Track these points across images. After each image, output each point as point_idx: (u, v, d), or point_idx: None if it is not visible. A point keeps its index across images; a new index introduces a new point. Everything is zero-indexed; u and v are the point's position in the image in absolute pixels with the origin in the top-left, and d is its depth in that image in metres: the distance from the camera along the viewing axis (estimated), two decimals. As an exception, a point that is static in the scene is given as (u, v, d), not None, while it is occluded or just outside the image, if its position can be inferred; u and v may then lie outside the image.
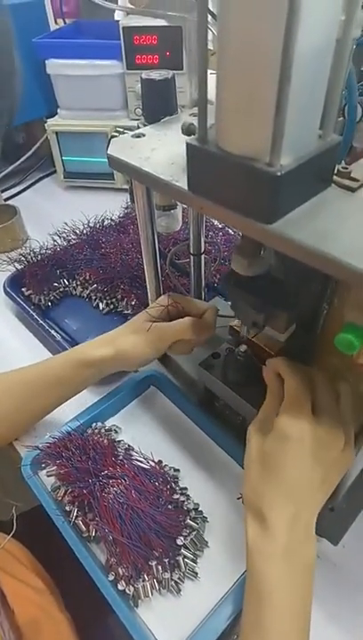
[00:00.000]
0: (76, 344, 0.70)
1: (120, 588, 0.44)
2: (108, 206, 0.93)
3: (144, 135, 0.43)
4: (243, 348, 0.49)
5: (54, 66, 0.94)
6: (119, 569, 0.44)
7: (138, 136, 0.42)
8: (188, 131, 0.37)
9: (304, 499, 0.37)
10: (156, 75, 0.46)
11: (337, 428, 0.38)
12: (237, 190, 0.30)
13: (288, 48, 0.24)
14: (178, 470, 0.53)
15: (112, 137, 0.48)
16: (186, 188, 0.34)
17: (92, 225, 0.87)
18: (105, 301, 0.76)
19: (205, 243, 0.61)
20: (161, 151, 0.39)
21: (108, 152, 0.39)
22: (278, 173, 0.27)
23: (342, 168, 0.34)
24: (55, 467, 0.51)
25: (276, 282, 0.42)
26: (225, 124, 0.29)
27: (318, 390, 0.39)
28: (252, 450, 0.40)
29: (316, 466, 0.37)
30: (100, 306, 0.76)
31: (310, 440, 0.37)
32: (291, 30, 0.23)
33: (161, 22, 0.83)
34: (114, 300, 0.76)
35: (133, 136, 0.42)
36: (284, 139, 0.27)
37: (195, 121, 0.42)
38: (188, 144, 0.31)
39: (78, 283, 0.79)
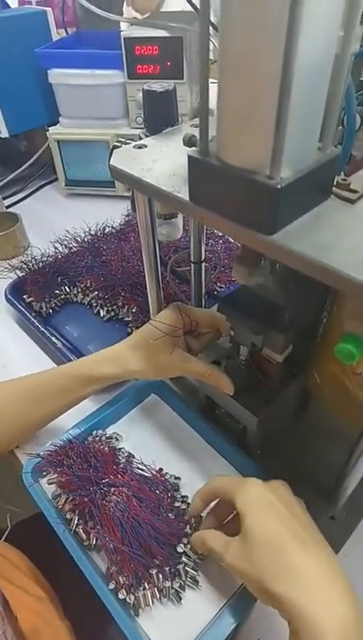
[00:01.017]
0: (77, 351, 0.71)
1: (121, 596, 0.44)
2: (108, 214, 0.94)
3: (146, 146, 0.43)
4: (244, 355, 0.50)
5: (56, 75, 0.95)
6: (120, 577, 0.44)
7: (140, 147, 0.43)
8: (189, 142, 0.37)
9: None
10: (157, 86, 0.47)
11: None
12: (237, 202, 0.31)
13: (288, 64, 0.24)
14: (179, 478, 0.53)
15: (114, 147, 0.48)
16: (187, 198, 0.35)
17: (93, 232, 0.87)
18: (106, 308, 0.76)
19: (205, 251, 0.62)
20: (163, 162, 0.40)
21: (111, 163, 0.40)
22: (279, 186, 0.28)
23: (342, 180, 0.34)
24: (56, 474, 0.51)
25: (274, 305, 0.43)
26: (226, 137, 0.30)
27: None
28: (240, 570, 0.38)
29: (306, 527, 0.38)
30: (101, 313, 0.76)
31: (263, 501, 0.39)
32: (291, 47, 0.24)
33: (162, 33, 0.84)
34: (115, 307, 0.76)
35: (135, 147, 0.43)
36: (284, 152, 0.27)
37: (196, 132, 0.42)
38: (189, 156, 0.32)
39: (79, 290, 0.79)
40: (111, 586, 0.44)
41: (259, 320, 0.42)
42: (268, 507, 0.39)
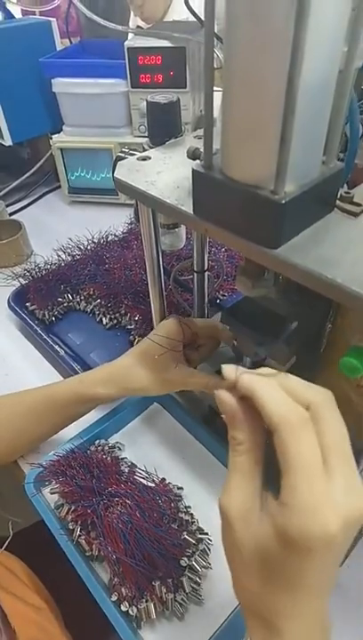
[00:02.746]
0: (80, 359, 0.71)
1: (123, 608, 0.43)
2: (111, 221, 0.94)
3: (150, 158, 0.43)
4: (247, 365, 0.50)
5: (60, 84, 0.96)
6: (122, 589, 0.44)
7: (144, 159, 0.43)
8: (193, 155, 0.38)
9: (325, 593, 0.28)
10: (161, 98, 0.47)
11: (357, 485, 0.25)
12: (241, 216, 0.31)
13: (292, 83, 0.24)
14: (181, 488, 0.53)
15: (118, 157, 0.48)
16: (191, 211, 0.35)
17: (96, 240, 0.88)
18: (108, 316, 0.76)
19: (208, 260, 0.62)
20: (166, 174, 0.40)
21: (115, 175, 0.40)
22: (283, 201, 0.28)
23: (345, 193, 0.34)
24: (58, 484, 0.51)
25: (277, 316, 0.43)
26: (230, 152, 0.30)
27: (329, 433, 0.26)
28: (243, 547, 0.27)
29: (342, 550, 0.26)
30: (104, 321, 0.77)
31: (340, 536, 0.24)
32: (295, 67, 0.24)
33: (165, 43, 0.85)
34: (117, 314, 0.76)
35: (139, 159, 0.43)
36: (288, 167, 0.27)
37: (199, 144, 0.42)
38: (193, 170, 0.32)
39: (82, 298, 0.79)
40: (114, 598, 0.44)
41: (262, 331, 0.42)
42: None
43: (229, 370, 0.28)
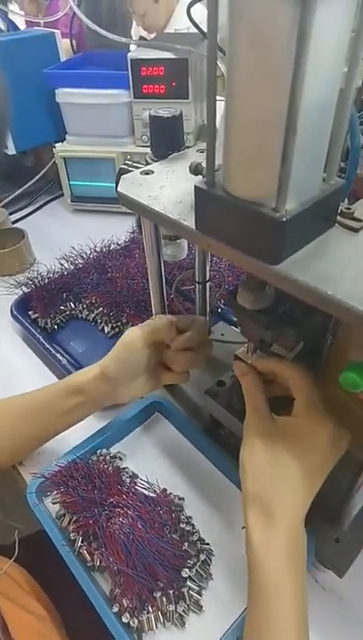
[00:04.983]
0: (81, 367, 0.71)
1: (124, 620, 0.43)
2: (114, 230, 0.95)
3: (153, 172, 0.44)
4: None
5: (63, 94, 0.97)
6: (124, 600, 0.44)
7: (147, 173, 0.44)
8: (195, 170, 0.38)
9: (308, 493, 0.39)
10: (164, 112, 0.48)
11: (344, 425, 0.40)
12: (243, 232, 0.31)
13: (294, 103, 0.25)
14: (182, 499, 0.53)
15: (121, 170, 0.49)
16: (193, 226, 0.35)
17: (98, 249, 0.88)
18: (110, 325, 0.77)
19: (209, 270, 0.62)
20: (169, 189, 0.41)
21: (119, 190, 0.41)
22: (284, 219, 0.28)
23: (345, 208, 0.35)
24: (60, 495, 0.51)
25: (283, 299, 0.41)
26: (232, 170, 0.30)
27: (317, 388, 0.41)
28: (257, 446, 0.40)
29: (323, 461, 0.39)
30: (106, 329, 0.77)
31: (328, 438, 0.39)
32: (296, 88, 0.24)
33: (168, 54, 0.86)
34: (119, 323, 0.76)
35: (142, 173, 0.44)
36: (289, 185, 0.28)
37: (202, 157, 0.43)
38: (196, 187, 0.32)
39: (84, 306, 0.80)
40: (115, 609, 0.44)
41: (268, 314, 0.40)
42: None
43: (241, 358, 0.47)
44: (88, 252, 0.88)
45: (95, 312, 0.78)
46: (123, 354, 0.52)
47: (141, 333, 0.52)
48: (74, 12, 0.92)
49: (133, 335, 0.52)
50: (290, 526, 0.37)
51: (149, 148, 0.51)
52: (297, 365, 0.42)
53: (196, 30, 0.50)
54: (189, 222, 0.36)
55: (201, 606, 0.45)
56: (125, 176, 0.43)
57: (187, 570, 0.45)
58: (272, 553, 0.37)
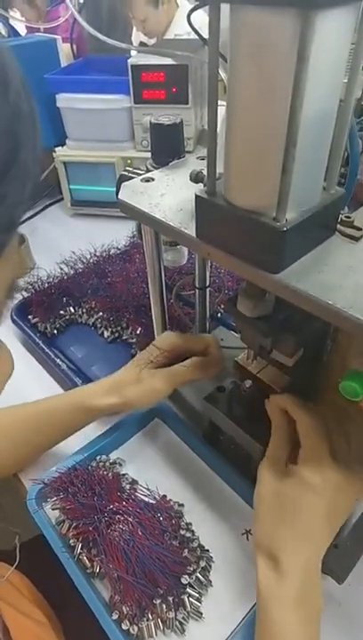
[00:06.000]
0: (81, 372, 0.71)
1: (124, 627, 0.43)
2: (114, 234, 0.95)
3: (153, 179, 0.44)
4: (248, 383, 0.50)
5: (64, 100, 0.97)
6: (123, 607, 0.44)
7: (147, 180, 0.44)
8: (196, 178, 0.38)
9: (317, 543, 0.38)
10: (165, 119, 0.48)
11: (353, 471, 0.39)
12: (243, 241, 0.31)
13: (294, 116, 0.25)
14: (182, 505, 0.53)
15: (122, 177, 0.49)
16: (194, 234, 0.35)
17: (98, 254, 0.88)
18: (110, 330, 0.77)
19: (209, 276, 0.63)
20: (170, 197, 0.41)
21: (120, 197, 0.41)
22: (284, 228, 0.28)
23: (345, 217, 0.35)
24: (60, 501, 0.51)
25: (283, 306, 0.41)
26: (233, 180, 0.30)
27: (332, 432, 0.40)
28: (265, 491, 0.40)
29: (331, 511, 0.38)
30: (106, 334, 0.77)
31: (332, 488, 0.38)
32: (297, 101, 0.25)
33: (168, 60, 0.86)
34: (119, 328, 0.77)
35: (142, 180, 0.44)
36: (289, 195, 0.28)
37: (202, 165, 0.43)
38: (197, 196, 0.33)
39: (84, 311, 0.80)
40: (115, 616, 0.44)
41: (268, 321, 0.41)
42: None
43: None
44: (88, 257, 0.88)
45: (95, 317, 0.79)
46: (148, 399, 0.54)
47: (166, 387, 0.53)
48: (74, 17, 0.93)
49: (160, 390, 0.53)
50: (302, 579, 0.36)
51: (149, 153, 0.51)
52: (309, 412, 0.41)
53: (196, 36, 0.51)
54: (190, 230, 0.36)
55: (201, 613, 0.45)
56: (125, 183, 0.43)
57: (187, 577, 0.45)
58: (281, 605, 0.36)
